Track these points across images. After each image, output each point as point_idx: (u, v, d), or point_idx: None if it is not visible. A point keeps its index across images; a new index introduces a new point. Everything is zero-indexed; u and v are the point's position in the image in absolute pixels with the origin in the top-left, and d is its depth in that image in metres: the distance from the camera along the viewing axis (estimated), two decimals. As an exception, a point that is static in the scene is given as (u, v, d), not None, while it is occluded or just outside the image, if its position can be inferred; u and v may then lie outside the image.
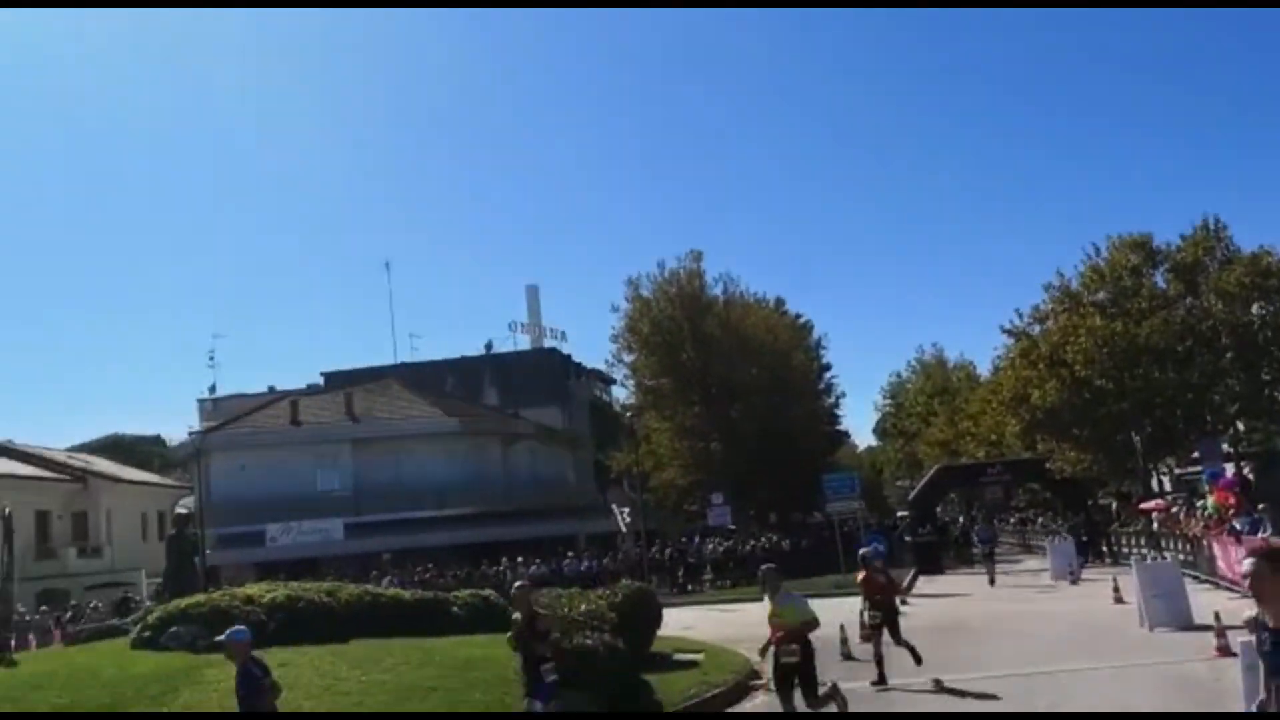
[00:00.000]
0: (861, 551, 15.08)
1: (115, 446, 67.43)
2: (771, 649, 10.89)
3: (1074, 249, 67.60)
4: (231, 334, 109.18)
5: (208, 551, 39.44)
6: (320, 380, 57.52)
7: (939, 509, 45.11)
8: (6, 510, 21.14)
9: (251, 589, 18.92)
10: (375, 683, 13.66)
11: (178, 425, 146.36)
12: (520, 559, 36.10)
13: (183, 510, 31.15)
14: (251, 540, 41.18)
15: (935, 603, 24.65)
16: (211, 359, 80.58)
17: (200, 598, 18.36)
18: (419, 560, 36.58)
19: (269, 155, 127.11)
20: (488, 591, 21.33)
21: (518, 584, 11.90)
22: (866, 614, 13.95)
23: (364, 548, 39.70)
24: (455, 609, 19.26)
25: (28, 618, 29.71)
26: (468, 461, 44.90)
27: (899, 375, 74.11)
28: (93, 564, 48.47)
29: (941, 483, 43.41)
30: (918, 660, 13.69)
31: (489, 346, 59.55)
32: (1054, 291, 39.06)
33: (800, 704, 10.61)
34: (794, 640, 10.59)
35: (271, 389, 56.67)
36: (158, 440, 74.44)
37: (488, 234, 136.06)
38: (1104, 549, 35.67)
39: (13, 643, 21.92)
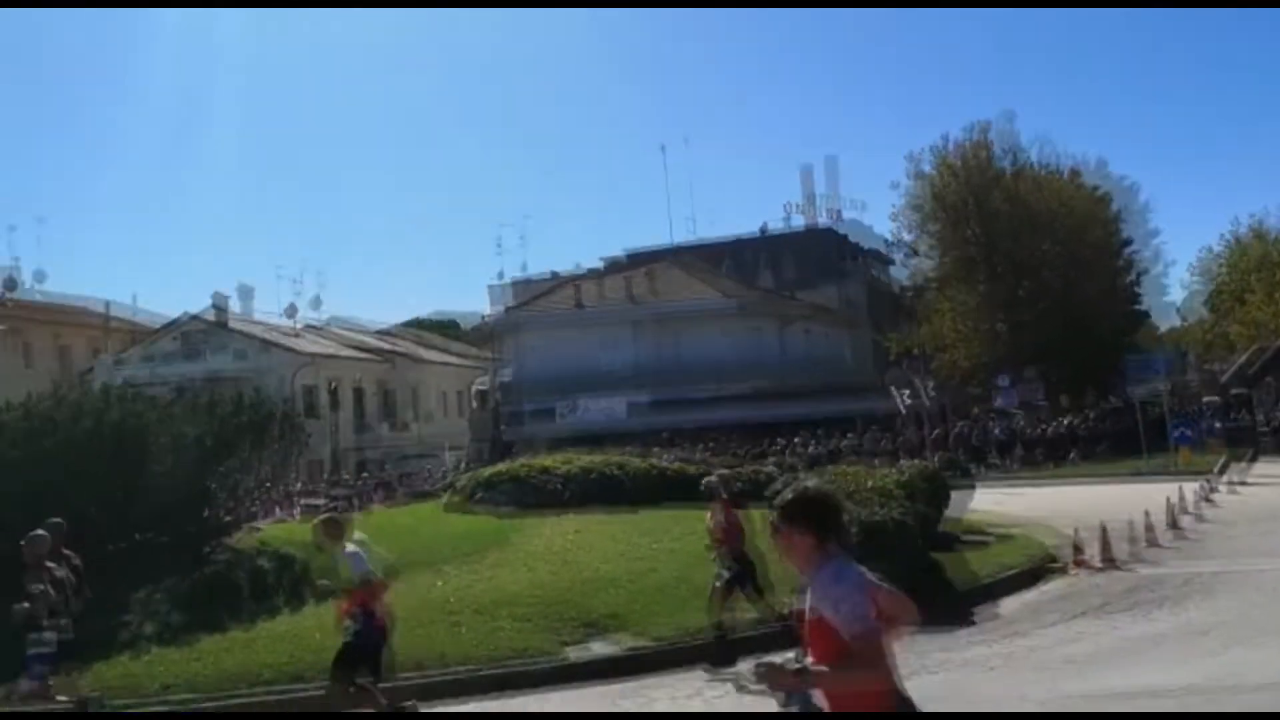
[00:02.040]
0: None
1: (418, 327, 72.42)
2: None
3: None
4: (519, 222, 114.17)
5: (503, 426, 42.03)
6: (601, 264, 59.24)
7: (1254, 394, 41.53)
8: (334, 384, 23.24)
9: (547, 460, 19.99)
10: (665, 550, 14.16)
11: (473, 308, 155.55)
12: (797, 438, 36.29)
13: (483, 387, 33.13)
14: (542, 416, 43.44)
15: (1256, 490, 22.86)
16: (499, 245, 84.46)
17: (503, 467, 19.60)
18: (698, 438, 37.44)
19: (552, 39, 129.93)
20: (770, 466, 21.57)
21: (707, 480, 11.80)
22: None
23: (645, 424, 40.94)
24: (739, 484, 19.60)
25: (351, 483, 32.87)
26: (745, 341, 45.27)
27: (1210, 249, 67.95)
28: (403, 437, 52.80)
29: (1257, 365, 39.90)
30: None
31: (764, 228, 59.29)
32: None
33: None
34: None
35: (555, 274, 58.95)
36: (455, 323, 79.47)
37: (765, 113, 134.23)
38: None
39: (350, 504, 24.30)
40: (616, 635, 10.95)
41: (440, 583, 13.02)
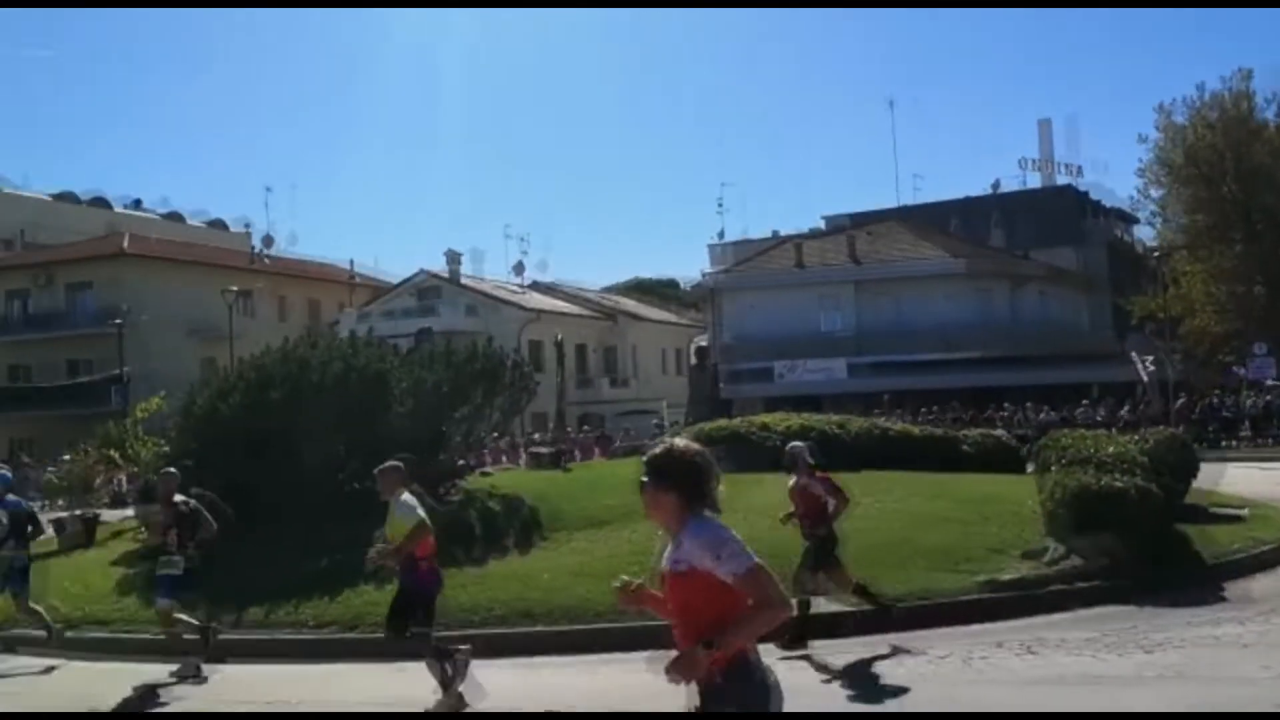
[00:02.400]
0: None
1: (638, 288, 73.60)
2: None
3: None
4: (738, 181, 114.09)
5: (720, 385, 42.16)
6: (821, 224, 58.37)
7: None
8: (559, 338, 23.97)
9: (765, 417, 19.94)
10: (889, 510, 13.88)
11: (691, 269, 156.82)
12: (1028, 404, 34.83)
13: (703, 344, 33.38)
14: (760, 376, 43.36)
15: None
16: (720, 206, 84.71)
17: (722, 422, 19.66)
18: (920, 401, 36.52)
19: None
20: (999, 431, 20.80)
21: (791, 445, 10.69)
22: None
23: (865, 387, 40.33)
24: (965, 447, 19.01)
25: (574, 436, 33.83)
26: (972, 303, 43.70)
27: None
28: (622, 393, 53.88)
29: None
30: None
31: (996, 185, 56.83)
32: None
33: None
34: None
35: (775, 233, 58.51)
36: (673, 283, 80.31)
37: (998, 66, 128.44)
38: None
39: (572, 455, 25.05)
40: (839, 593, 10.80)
41: (660, 531, 13.20)
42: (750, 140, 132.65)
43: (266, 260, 58.03)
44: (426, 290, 52.72)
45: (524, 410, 18.62)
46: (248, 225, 74.47)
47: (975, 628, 9.87)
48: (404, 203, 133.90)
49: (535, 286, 57.61)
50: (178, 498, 10.24)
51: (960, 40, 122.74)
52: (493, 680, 8.90)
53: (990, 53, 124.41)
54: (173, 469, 11.14)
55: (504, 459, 28.78)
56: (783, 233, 57.19)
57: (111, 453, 21.54)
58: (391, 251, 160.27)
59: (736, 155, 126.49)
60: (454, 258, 52.86)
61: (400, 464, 8.68)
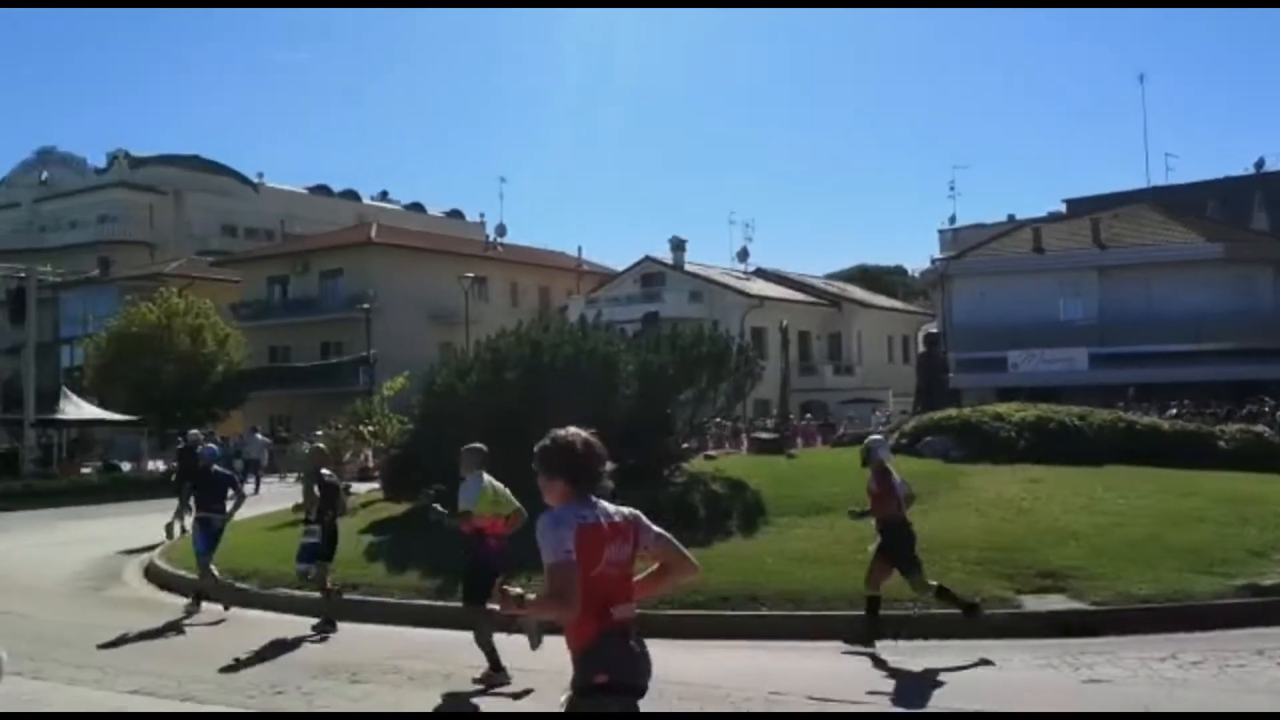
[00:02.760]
0: None
1: (863, 275, 72.30)
2: None
3: None
4: (972, 164, 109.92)
5: (950, 374, 40.88)
6: (1062, 207, 55.57)
7: None
8: (784, 324, 23.83)
9: (1000, 407, 19.20)
10: (1135, 507, 13.12)
11: (918, 255, 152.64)
12: (1294, 401, 32.06)
13: (932, 331, 32.44)
14: (992, 365, 41.70)
15: None
16: (952, 189, 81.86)
17: (952, 411, 19.07)
18: (1167, 395, 34.22)
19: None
20: (1260, 428, 19.26)
21: (869, 439, 10.25)
22: None
23: (1108, 379, 38.10)
24: (1221, 443, 17.72)
25: (797, 422, 33.60)
26: (1231, 291, 40.49)
27: None
28: (846, 381, 53.08)
29: None
30: None
31: (1260, 164, 52.54)
32: None
33: None
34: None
35: (1011, 217, 56.16)
36: (900, 270, 78.43)
37: (1261, 32, 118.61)
38: None
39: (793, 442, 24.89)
40: (1079, 588, 10.27)
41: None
42: (985, 121, 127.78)
43: (500, 248, 60.39)
44: (650, 277, 53.49)
45: (748, 395, 18.58)
46: (482, 215, 77.89)
47: (1232, 633, 9.18)
48: (627, 191, 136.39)
49: (759, 273, 57.48)
50: (324, 471, 11.32)
51: (1218, 6, 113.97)
52: (717, 662, 8.95)
53: (1252, 17, 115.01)
54: (321, 445, 13.05)
55: (726, 444, 28.89)
56: (1019, 217, 54.85)
57: (360, 428, 22.93)
58: (615, 240, 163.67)
59: (970, 137, 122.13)
60: (678, 244, 53.40)
61: (481, 447, 9.43)
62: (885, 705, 7.60)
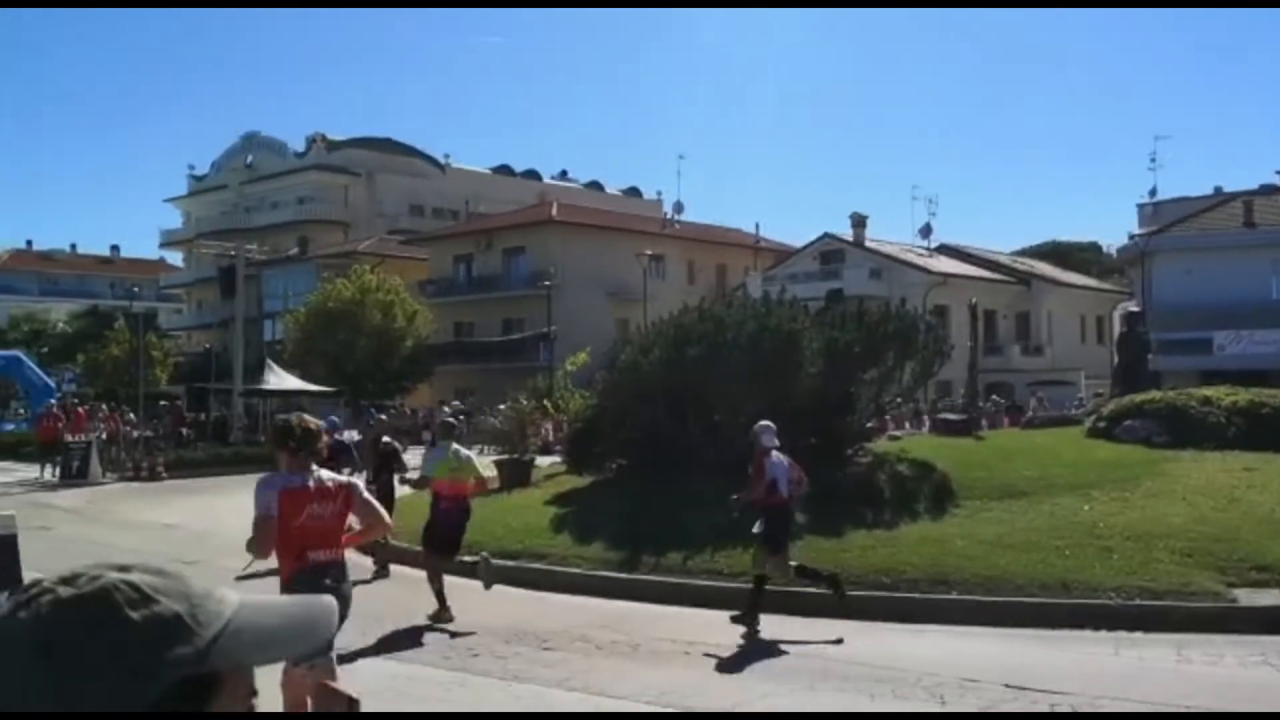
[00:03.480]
0: None
1: (1054, 252, 69.26)
2: None
3: None
4: (1174, 134, 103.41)
5: (1151, 355, 38.82)
6: (1276, 179, 51.78)
7: None
8: (974, 301, 23.04)
9: (1208, 390, 18.12)
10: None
11: (1114, 231, 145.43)
12: None
13: (1133, 310, 30.84)
14: (1194, 347, 39.33)
15: None
16: (1153, 162, 77.21)
17: (1155, 394, 18.10)
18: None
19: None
20: None
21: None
22: None
23: (1327, 363, 35.43)
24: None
25: (983, 404, 32.52)
26: None
27: None
28: (1034, 361, 51.02)
29: None
30: None
31: None
32: None
33: None
34: None
35: (1218, 190, 52.67)
36: (1094, 246, 74.73)
37: None
38: None
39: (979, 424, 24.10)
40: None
41: (1087, 507, 12.37)
42: (1188, 89, 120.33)
43: (677, 226, 60.55)
44: (830, 254, 52.63)
45: (935, 375, 18.07)
46: (660, 193, 78.27)
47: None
48: (806, 168, 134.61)
49: (942, 249, 55.79)
50: (384, 439, 13.85)
51: None
52: (908, 646, 8.76)
53: None
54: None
55: (907, 424, 28.24)
56: (1227, 189, 51.42)
57: (545, 403, 23.41)
58: (793, 217, 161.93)
59: (1172, 105, 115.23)
60: (859, 220, 52.32)
61: (453, 421, 12.02)
62: (1088, 700, 7.25)
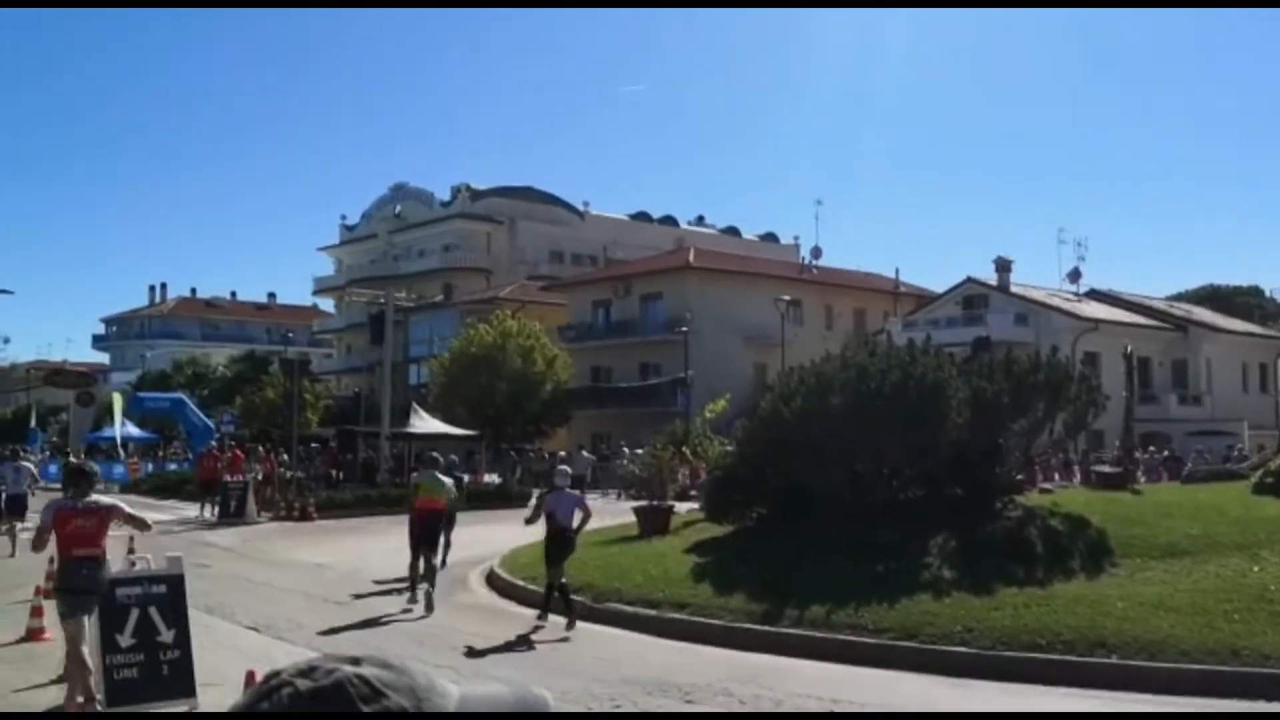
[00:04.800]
0: None
1: (1213, 296, 66.28)
2: None
3: None
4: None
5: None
6: None
7: None
8: (1129, 348, 22.18)
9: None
10: None
11: (1277, 275, 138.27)
12: None
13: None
14: (1371, 397, 37.05)
15: None
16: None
17: (1327, 450, 17.05)
18: None
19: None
20: None
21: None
22: None
23: None
24: None
25: (1139, 455, 31.15)
26: None
27: None
28: (1192, 411, 48.71)
29: None
30: None
31: None
32: None
33: None
34: None
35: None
36: (1255, 290, 71.29)
37: None
38: None
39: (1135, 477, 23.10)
40: None
41: (1256, 568, 11.71)
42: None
43: (815, 271, 60.16)
44: (973, 299, 51.45)
45: (1089, 426, 17.42)
46: (797, 238, 78.00)
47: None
48: (947, 211, 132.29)
49: (1092, 294, 53.95)
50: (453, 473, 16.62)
51: None
52: (1060, 709, 8.40)
53: None
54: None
55: (1058, 476, 27.25)
56: None
57: (684, 449, 23.43)
58: (934, 262, 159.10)
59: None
60: (1004, 264, 51.03)
61: (437, 457, 15.20)
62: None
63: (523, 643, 11.29)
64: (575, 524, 12.16)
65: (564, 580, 12.05)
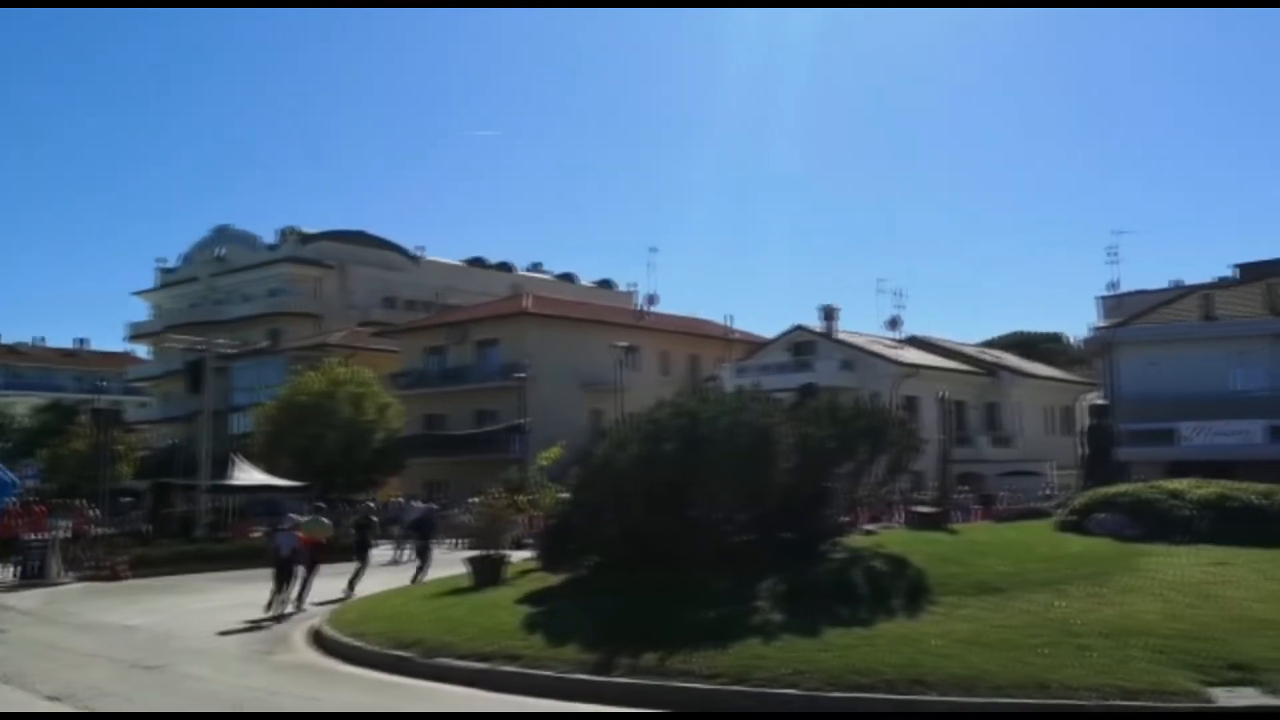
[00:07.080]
0: None
1: (1020, 343, 70.17)
2: None
3: None
4: (1133, 228, 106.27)
5: (1116, 447, 39.14)
6: (1232, 273, 52.95)
7: None
8: (944, 394, 23.27)
9: (1177, 483, 18.26)
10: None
11: (1076, 322, 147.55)
12: None
13: (1101, 402, 31.20)
14: (1159, 438, 39.70)
15: None
16: (1114, 256, 79.05)
17: (1125, 487, 18.24)
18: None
19: (1164, 31, 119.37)
20: None
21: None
22: None
23: (1288, 453, 35.83)
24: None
25: (955, 496, 32.61)
26: None
27: None
28: (1003, 452, 51.36)
29: None
30: None
31: None
32: None
33: None
34: None
35: (1177, 283, 53.78)
36: (1055, 337, 75.82)
37: None
38: None
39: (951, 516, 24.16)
40: (1275, 682, 9.58)
41: (1061, 603, 12.36)
42: (1146, 185, 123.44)
43: (650, 318, 60.99)
44: (802, 345, 53.08)
45: (907, 469, 18.14)
46: (634, 285, 79.06)
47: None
48: (776, 260, 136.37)
49: (911, 341, 56.44)
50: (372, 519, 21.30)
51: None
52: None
53: None
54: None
55: (881, 517, 28.21)
56: (1187, 282, 52.53)
57: (518, 498, 23.23)
58: (764, 309, 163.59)
59: (1130, 200, 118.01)
60: (829, 312, 52.91)
61: (321, 505, 20.90)
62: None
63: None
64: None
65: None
